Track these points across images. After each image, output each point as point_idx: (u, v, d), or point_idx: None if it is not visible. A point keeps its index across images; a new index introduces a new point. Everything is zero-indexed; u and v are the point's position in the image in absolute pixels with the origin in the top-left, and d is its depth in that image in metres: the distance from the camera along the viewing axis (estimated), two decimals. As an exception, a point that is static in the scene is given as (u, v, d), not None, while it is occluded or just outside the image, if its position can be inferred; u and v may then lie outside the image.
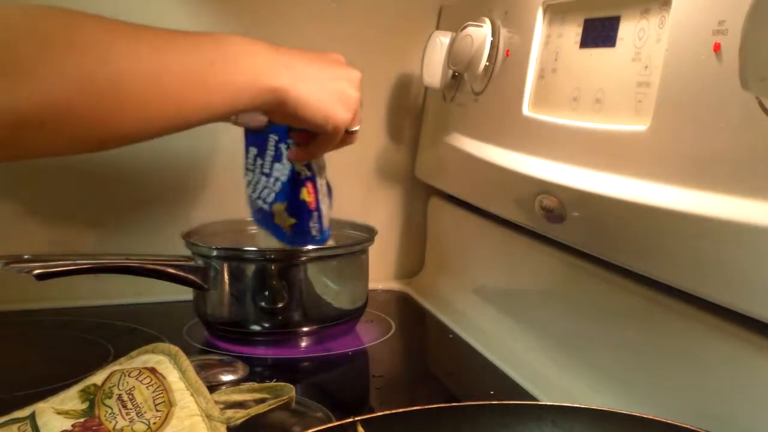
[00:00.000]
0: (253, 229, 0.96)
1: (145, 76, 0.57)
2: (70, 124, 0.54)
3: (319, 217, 0.80)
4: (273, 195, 0.81)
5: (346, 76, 0.74)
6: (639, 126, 0.62)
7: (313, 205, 0.79)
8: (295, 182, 0.79)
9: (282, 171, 0.80)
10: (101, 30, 0.56)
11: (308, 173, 0.79)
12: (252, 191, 0.83)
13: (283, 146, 0.79)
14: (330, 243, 0.88)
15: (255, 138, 0.82)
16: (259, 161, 0.81)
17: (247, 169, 0.84)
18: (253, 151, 0.82)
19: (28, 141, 0.54)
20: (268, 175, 0.81)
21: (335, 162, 0.83)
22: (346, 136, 0.76)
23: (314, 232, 0.81)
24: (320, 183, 0.80)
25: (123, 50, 0.56)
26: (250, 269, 0.84)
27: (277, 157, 0.80)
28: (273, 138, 0.80)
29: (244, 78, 0.64)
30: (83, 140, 0.58)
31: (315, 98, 0.69)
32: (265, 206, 0.82)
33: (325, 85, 0.71)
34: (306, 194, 0.79)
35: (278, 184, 0.80)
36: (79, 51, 0.54)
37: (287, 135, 0.78)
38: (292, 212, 0.80)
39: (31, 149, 0.56)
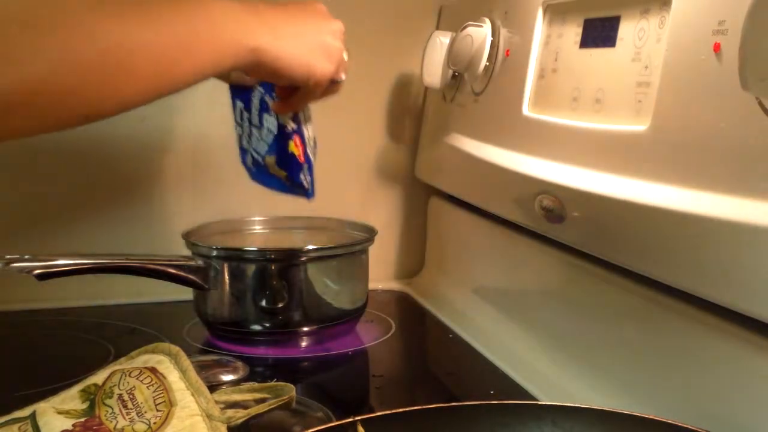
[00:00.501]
0: (254, 229, 0.96)
1: (132, 50, 0.56)
2: (55, 103, 0.54)
3: (309, 168, 0.79)
4: (266, 147, 0.80)
5: (328, 29, 0.73)
6: (639, 126, 0.63)
7: (302, 158, 0.78)
8: (282, 135, 0.78)
9: (271, 122, 0.79)
10: (85, 6, 0.55)
11: (294, 126, 0.78)
12: (246, 143, 0.82)
13: (268, 98, 0.78)
14: (330, 243, 0.88)
15: (240, 92, 0.81)
16: (245, 114, 0.80)
17: (236, 123, 0.83)
18: (240, 105, 0.81)
19: (12, 122, 0.54)
20: (258, 127, 0.80)
21: (335, 162, 0.83)
22: (331, 87, 0.75)
23: (306, 185, 0.79)
24: (307, 135, 0.79)
25: (108, 27, 0.55)
26: (250, 269, 0.84)
27: (265, 109, 0.79)
28: (259, 91, 0.79)
29: (228, 41, 0.64)
30: (67, 118, 0.57)
31: (295, 54, 0.69)
32: (259, 158, 0.81)
33: (306, 40, 0.71)
34: (294, 147, 0.78)
35: (270, 136, 0.79)
36: (63, 30, 0.53)
37: (272, 87, 0.78)
38: (282, 165, 0.79)
39: (14, 130, 0.56)
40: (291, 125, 0.77)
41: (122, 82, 0.56)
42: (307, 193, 0.80)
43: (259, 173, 0.83)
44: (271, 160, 0.79)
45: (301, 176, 0.79)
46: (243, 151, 0.83)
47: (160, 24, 0.59)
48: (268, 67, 0.67)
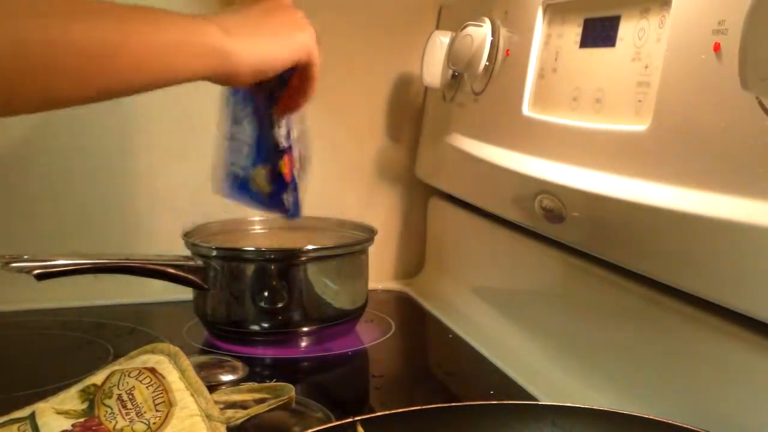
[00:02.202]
0: (254, 229, 0.96)
1: (56, 46, 0.53)
2: None
3: (294, 189, 0.78)
4: (248, 158, 0.77)
5: (274, 6, 0.69)
6: (639, 126, 0.62)
7: (288, 178, 0.77)
8: (275, 152, 0.77)
9: (251, 130, 0.77)
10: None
11: (286, 144, 0.76)
12: (228, 156, 0.79)
13: (254, 104, 0.76)
14: (330, 243, 0.88)
15: (235, 98, 0.78)
16: (235, 125, 0.78)
17: (225, 135, 0.80)
18: (232, 112, 0.79)
19: None
20: (237, 137, 0.78)
21: (336, 161, 0.83)
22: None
23: (287, 205, 0.78)
24: (296, 154, 0.78)
25: (28, 21, 0.51)
26: (250, 269, 0.84)
27: (249, 115, 0.77)
28: (243, 97, 0.77)
29: (179, 38, 0.59)
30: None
31: (266, 43, 0.65)
32: (238, 170, 0.78)
33: (266, 27, 0.66)
34: (283, 166, 0.77)
35: (246, 147, 0.77)
36: None
37: (257, 98, 0.75)
38: (271, 180, 0.78)
39: None
40: (283, 143, 0.76)
41: (44, 78, 0.53)
42: (287, 212, 0.78)
43: (238, 187, 0.79)
44: (255, 172, 0.78)
45: (284, 196, 0.78)
46: (226, 162, 0.80)
47: (100, 19, 0.55)
48: (246, 70, 0.63)
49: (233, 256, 0.85)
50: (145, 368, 0.58)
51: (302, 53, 0.68)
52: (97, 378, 0.59)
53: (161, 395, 0.55)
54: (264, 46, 0.65)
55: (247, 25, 0.65)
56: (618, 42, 0.67)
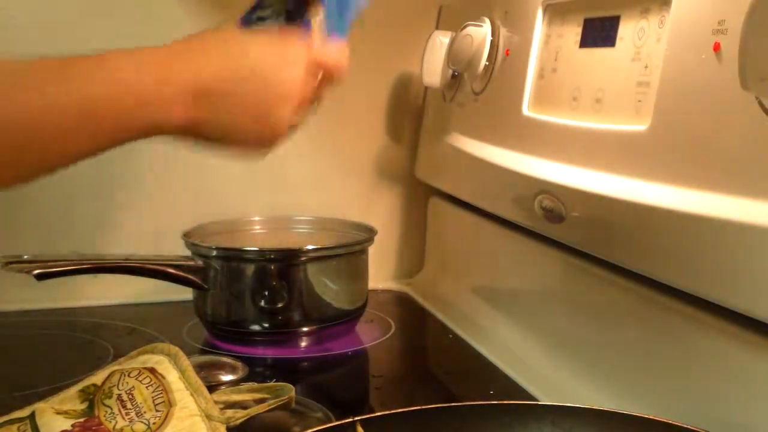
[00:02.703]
0: (254, 229, 0.96)
1: None
2: None
3: None
4: None
5: (283, 63, 0.60)
6: (639, 126, 0.62)
7: None
8: None
9: None
10: None
11: None
12: None
13: None
14: (330, 243, 0.88)
15: None
16: None
17: None
18: None
19: None
20: None
21: (335, 161, 0.83)
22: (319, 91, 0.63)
23: None
24: None
25: None
26: (250, 269, 0.84)
27: None
28: None
29: (127, 107, 0.54)
30: None
31: (237, 123, 0.58)
32: None
33: (247, 99, 0.58)
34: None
35: None
36: None
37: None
38: None
39: None
40: None
41: None
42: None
43: None
44: None
45: None
46: None
47: (41, 83, 0.51)
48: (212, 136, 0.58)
49: (233, 256, 0.85)
50: (145, 368, 0.58)
51: (273, 139, 0.60)
52: (97, 378, 0.59)
53: (161, 395, 0.56)
54: (231, 130, 0.58)
55: (230, 95, 0.57)
56: (618, 42, 0.67)
